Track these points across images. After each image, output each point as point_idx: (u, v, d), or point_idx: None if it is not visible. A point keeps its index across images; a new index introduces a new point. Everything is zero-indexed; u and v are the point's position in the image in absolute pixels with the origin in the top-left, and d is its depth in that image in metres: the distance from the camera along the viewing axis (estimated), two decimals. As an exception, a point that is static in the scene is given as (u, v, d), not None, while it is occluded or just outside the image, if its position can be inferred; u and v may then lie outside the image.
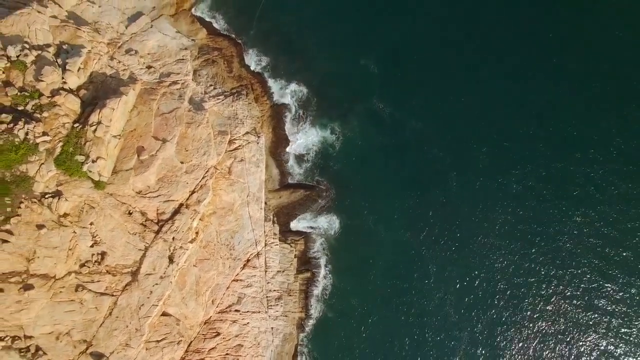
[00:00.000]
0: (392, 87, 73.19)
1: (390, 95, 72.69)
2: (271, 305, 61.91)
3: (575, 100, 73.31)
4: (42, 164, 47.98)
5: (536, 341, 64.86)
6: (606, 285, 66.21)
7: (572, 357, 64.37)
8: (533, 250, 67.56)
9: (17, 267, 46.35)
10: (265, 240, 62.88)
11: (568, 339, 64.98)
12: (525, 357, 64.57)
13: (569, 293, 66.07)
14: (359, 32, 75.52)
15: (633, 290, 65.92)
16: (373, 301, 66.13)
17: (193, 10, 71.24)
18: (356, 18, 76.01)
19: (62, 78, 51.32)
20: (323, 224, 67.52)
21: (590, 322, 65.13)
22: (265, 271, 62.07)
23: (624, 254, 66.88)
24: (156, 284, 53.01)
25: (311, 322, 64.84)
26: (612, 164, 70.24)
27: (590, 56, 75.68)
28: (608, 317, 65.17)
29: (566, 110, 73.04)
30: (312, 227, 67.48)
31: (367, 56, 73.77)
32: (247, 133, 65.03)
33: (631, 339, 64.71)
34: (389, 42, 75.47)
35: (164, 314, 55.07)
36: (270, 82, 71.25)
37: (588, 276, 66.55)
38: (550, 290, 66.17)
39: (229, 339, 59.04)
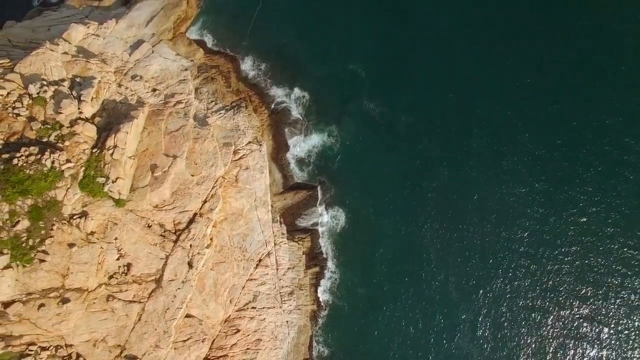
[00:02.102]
0: (380, 88, 76.41)
1: (379, 96, 75.99)
2: (285, 300, 64.53)
3: (559, 92, 77.34)
4: (68, 188, 50.44)
5: (533, 314, 67.95)
6: (603, 265, 69.36)
7: (572, 332, 67.58)
8: (525, 233, 70.71)
9: (54, 283, 48.78)
10: (275, 240, 65.59)
11: (566, 312, 67.93)
12: (526, 329, 67.59)
13: (562, 268, 69.29)
14: (345, 39, 78.60)
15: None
16: (380, 289, 68.65)
17: (188, 33, 74.16)
18: (340, 27, 79.17)
19: (78, 108, 53.84)
20: (327, 220, 70.28)
21: (589, 301, 68.20)
22: (277, 269, 64.72)
23: (628, 242, 70.12)
24: (179, 289, 55.34)
25: (323, 313, 67.39)
26: (604, 158, 73.71)
27: (579, 50, 79.78)
28: (605, 298, 68.38)
29: (551, 97, 76.91)
30: (316, 225, 69.96)
31: (354, 61, 76.97)
32: (249, 142, 67.84)
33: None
34: (372, 47, 78.77)
35: (188, 316, 57.27)
36: (267, 93, 74.04)
37: (586, 254, 69.62)
38: (543, 268, 69.40)
39: (249, 335, 61.46)
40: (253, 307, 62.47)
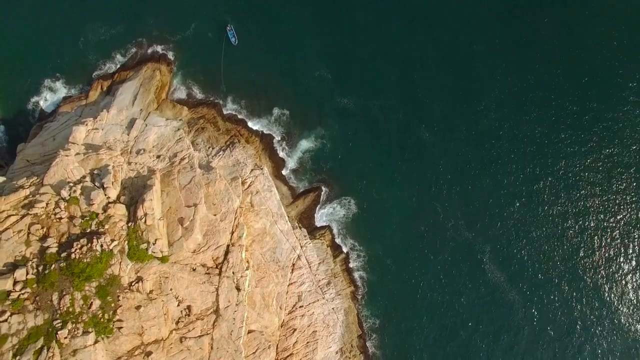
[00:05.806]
0: (348, 83, 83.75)
1: (349, 90, 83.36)
2: (325, 291, 72.16)
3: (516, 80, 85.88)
4: (121, 262, 57.64)
5: (536, 236, 77.77)
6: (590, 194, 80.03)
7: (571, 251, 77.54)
8: (512, 178, 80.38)
9: (134, 343, 55.94)
10: (300, 244, 72.98)
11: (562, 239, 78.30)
12: (533, 249, 77.45)
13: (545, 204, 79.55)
14: (303, 53, 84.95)
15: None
16: (403, 253, 77.08)
17: (170, 97, 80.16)
18: (296, 45, 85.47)
19: (105, 195, 60.85)
20: (338, 211, 77.96)
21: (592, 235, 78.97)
22: (310, 267, 72.31)
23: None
24: (235, 311, 62.18)
25: (361, 290, 75.40)
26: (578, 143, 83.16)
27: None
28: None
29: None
30: (330, 218, 77.81)
31: (319, 68, 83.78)
32: (252, 170, 74.40)
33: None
34: (330, 51, 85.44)
35: (250, 331, 64.41)
36: (252, 122, 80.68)
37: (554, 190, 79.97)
38: (526, 193, 79.74)
39: (304, 331, 69.18)
40: (301, 306, 70.14)
